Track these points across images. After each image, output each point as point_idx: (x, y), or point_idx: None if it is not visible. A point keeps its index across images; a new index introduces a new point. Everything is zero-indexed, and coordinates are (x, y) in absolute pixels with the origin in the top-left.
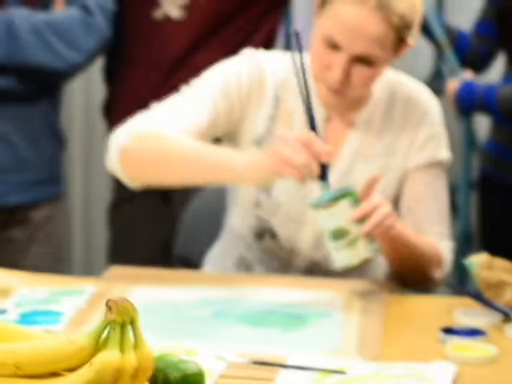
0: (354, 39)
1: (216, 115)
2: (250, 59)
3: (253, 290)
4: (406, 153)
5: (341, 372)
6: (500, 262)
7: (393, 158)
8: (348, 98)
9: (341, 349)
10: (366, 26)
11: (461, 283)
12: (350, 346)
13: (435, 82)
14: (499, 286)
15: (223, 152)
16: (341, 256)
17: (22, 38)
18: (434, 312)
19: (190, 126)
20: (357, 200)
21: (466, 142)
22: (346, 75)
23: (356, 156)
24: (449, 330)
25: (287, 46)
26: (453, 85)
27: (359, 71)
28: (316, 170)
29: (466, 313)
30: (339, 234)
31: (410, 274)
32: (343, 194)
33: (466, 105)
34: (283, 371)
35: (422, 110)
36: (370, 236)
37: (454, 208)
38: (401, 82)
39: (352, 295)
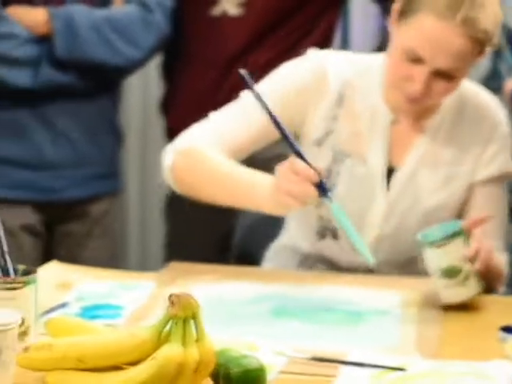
0: (437, 54)
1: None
2: (312, 62)
3: (312, 287)
4: (474, 164)
5: (401, 369)
6: None
7: (460, 168)
8: (422, 107)
9: (399, 346)
10: (451, 41)
11: None
12: (409, 344)
13: (492, 82)
14: None
15: (248, 176)
16: (451, 293)
17: (82, 34)
18: (493, 311)
19: (243, 139)
20: (466, 238)
21: None
22: (427, 87)
23: (422, 161)
24: (508, 329)
25: (344, 44)
26: (510, 84)
27: (439, 84)
28: (312, 192)
29: None
30: (452, 273)
31: None
32: (455, 233)
33: None
34: (344, 368)
35: (492, 122)
36: (479, 272)
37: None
38: (471, 92)
39: (411, 293)
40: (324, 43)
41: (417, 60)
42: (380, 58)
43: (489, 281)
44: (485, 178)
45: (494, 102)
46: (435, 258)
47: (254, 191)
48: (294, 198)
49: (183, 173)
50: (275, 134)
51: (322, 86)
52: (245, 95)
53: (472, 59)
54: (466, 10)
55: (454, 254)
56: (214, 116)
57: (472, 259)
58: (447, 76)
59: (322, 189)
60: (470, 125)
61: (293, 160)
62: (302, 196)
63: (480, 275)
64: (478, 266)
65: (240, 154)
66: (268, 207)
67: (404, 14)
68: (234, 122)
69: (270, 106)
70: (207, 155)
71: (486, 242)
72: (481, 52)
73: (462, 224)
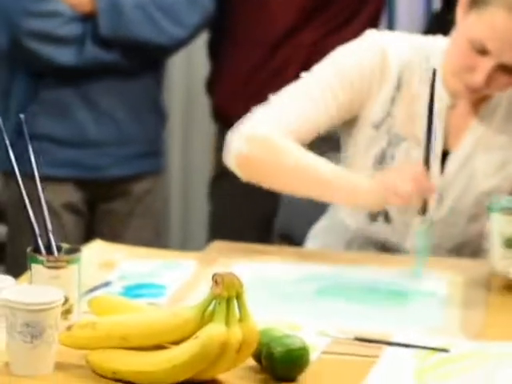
0: (506, 48)
1: (340, 106)
2: (373, 43)
3: (356, 268)
4: None
5: (444, 350)
6: None
7: None
8: (480, 96)
9: (443, 327)
10: None
11: None
12: (453, 325)
13: None
14: None
15: (344, 174)
16: (506, 264)
17: (127, 13)
18: None
19: (313, 123)
20: None
21: None
22: (488, 79)
23: (477, 145)
24: None
25: (391, 26)
26: None
27: (502, 77)
28: (417, 203)
29: None
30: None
31: None
32: None
33: None
34: (387, 348)
35: None
36: None
37: None
38: None
39: (455, 274)
40: (371, 25)
41: (483, 51)
42: (439, 41)
43: None
44: None
45: None
46: (500, 225)
47: (355, 189)
48: (399, 197)
49: (259, 161)
50: (340, 119)
51: (384, 68)
52: (306, 77)
53: None
54: None
55: None
56: (278, 100)
57: None
58: (510, 70)
59: (424, 207)
60: None
61: (418, 167)
62: (408, 200)
63: None
64: None
65: (308, 138)
66: (368, 202)
67: (474, 4)
68: (301, 107)
69: (332, 92)
70: (285, 145)
71: None
72: None
73: None
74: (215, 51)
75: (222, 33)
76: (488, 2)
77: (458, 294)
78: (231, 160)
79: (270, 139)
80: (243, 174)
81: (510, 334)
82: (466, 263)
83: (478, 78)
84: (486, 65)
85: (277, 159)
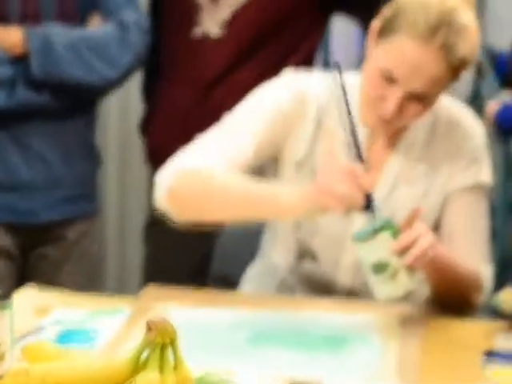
0: (413, 77)
1: (260, 145)
2: (291, 83)
3: (291, 312)
4: (447, 176)
5: None
6: None
7: (435, 181)
8: (395, 127)
9: (380, 373)
10: (428, 65)
11: None
12: (390, 371)
13: (474, 103)
14: None
15: (267, 187)
16: (383, 289)
17: (58, 53)
18: (475, 336)
19: (236, 159)
20: (396, 232)
21: (504, 164)
22: (400, 109)
23: (398, 179)
24: (491, 354)
25: (326, 65)
26: (492, 106)
27: (412, 106)
28: (360, 200)
29: (507, 337)
30: (380, 267)
31: (449, 299)
32: (382, 227)
33: (506, 126)
34: None
35: (464, 134)
36: (411, 267)
37: (492, 231)
38: (445, 106)
39: (392, 319)
40: (306, 63)
41: (392, 80)
42: (358, 77)
43: (453, 287)
44: (457, 188)
45: (468, 114)
46: (363, 253)
47: (276, 197)
48: (337, 199)
49: (187, 193)
50: (267, 156)
51: (302, 108)
52: (229, 117)
53: (446, 83)
54: (446, 36)
55: (380, 248)
56: (203, 139)
57: (400, 253)
58: (420, 99)
59: (368, 202)
60: (444, 138)
61: (349, 163)
62: (348, 200)
63: (416, 270)
64: (408, 260)
65: (244, 169)
66: (294, 210)
67: (383, 33)
68: (224, 146)
69: (256, 128)
70: (211, 172)
71: (426, 237)
72: (456, 76)
73: (390, 219)
74: (150, 93)
75: (156, 74)
76: (396, 30)
77: (395, 339)
78: (161, 199)
79: (196, 170)
80: (175, 210)
81: (448, 379)
82: (401, 307)
83: (389, 107)
84: (395, 94)
85: (204, 187)
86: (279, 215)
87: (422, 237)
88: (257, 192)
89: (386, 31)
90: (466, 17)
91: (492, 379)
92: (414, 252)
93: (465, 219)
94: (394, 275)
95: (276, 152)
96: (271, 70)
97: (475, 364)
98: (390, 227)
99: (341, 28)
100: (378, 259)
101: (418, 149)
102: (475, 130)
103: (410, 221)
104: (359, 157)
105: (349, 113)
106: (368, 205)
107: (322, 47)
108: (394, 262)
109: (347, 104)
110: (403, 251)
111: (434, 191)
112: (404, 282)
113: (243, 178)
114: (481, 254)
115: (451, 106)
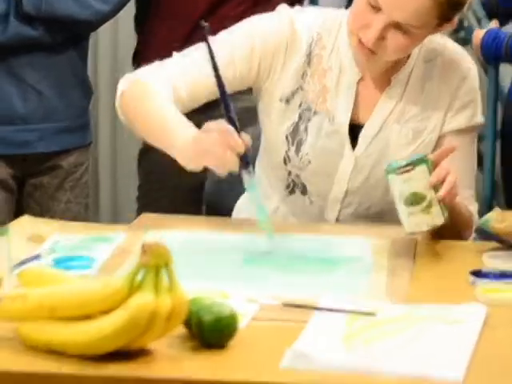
0: (397, 6)
1: (231, 65)
2: (283, 17)
3: (283, 236)
4: (442, 116)
5: (371, 314)
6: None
7: (428, 121)
8: (381, 62)
9: (370, 292)
10: None
11: None
12: (380, 289)
13: (461, 33)
14: None
15: (178, 126)
16: (414, 221)
17: None
18: (463, 255)
19: (196, 78)
20: (431, 167)
21: (492, 91)
22: (381, 38)
23: (390, 116)
24: (478, 273)
25: (313, 1)
26: (479, 34)
27: (394, 37)
28: (233, 161)
29: (494, 256)
30: (415, 200)
31: (446, 235)
32: (419, 161)
33: (492, 53)
34: (315, 313)
35: (460, 75)
36: (444, 202)
37: (480, 158)
38: (443, 46)
39: (381, 240)
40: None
41: (376, 8)
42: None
43: (455, 224)
44: (452, 129)
45: (463, 54)
46: (399, 185)
47: (174, 137)
48: (213, 158)
49: (130, 102)
50: (238, 86)
51: (293, 43)
52: (215, 40)
53: (432, 22)
54: None
55: (417, 180)
56: (174, 58)
57: (436, 186)
58: (403, 31)
59: (244, 161)
60: (439, 78)
61: (224, 123)
62: (221, 161)
63: (446, 206)
64: (442, 193)
65: (197, 99)
66: (182, 158)
67: None
68: (190, 67)
69: (236, 57)
70: (152, 89)
71: (452, 174)
72: (445, 18)
73: (424, 154)
74: (142, 26)
75: (148, 7)
76: None
77: (384, 259)
78: (116, 103)
79: (147, 84)
80: (120, 114)
81: (437, 297)
82: (388, 228)
83: (370, 33)
84: (378, 21)
85: (142, 102)
86: (174, 156)
87: (450, 174)
88: (166, 126)
89: None
90: None
91: (481, 297)
92: (447, 187)
93: (458, 161)
94: (427, 208)
95: (254, 82)
96: (260, 4)
97: (464, 282)
98: (426, 162)
99: None
100: (413, 191)
101: (413, 87)
102: (471, 71)
103: (441, 157)
104: (230, 118)
105: (217, 75)
106: (245, 164)
107: None
108: (429, 195)
109: (216, 69)
110: (439, 184)
111: (428, 130)
112: (435, 216)
113: (172, 109)
114: (470, 192)
115: (449, 46)
